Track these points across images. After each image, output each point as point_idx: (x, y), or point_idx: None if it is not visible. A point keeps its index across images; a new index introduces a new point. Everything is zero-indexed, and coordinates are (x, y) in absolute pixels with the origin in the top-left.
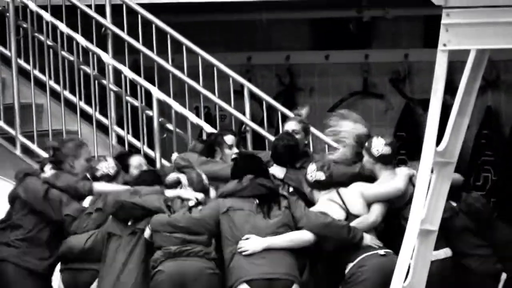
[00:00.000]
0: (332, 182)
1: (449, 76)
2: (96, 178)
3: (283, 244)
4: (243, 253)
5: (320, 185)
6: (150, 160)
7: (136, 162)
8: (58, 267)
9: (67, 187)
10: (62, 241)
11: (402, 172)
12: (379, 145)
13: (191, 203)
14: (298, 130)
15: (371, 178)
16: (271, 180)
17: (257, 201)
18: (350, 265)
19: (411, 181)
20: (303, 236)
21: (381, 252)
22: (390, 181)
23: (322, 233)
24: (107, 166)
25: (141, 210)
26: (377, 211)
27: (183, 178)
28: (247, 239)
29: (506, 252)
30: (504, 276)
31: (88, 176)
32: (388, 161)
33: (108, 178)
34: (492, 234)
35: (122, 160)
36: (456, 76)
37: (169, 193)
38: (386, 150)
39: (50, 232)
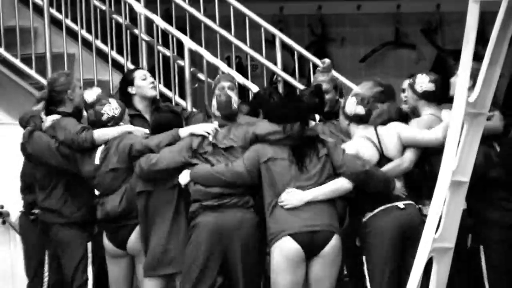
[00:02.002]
0: (370, 116)
1: (481, 27)
2: (102, 122)
3: (324, 196)
4: (285, 207)
5: (359, 119)
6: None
7: (141, 73)
8: None
9: (68, 141)
10: (97, 206)
11: (444, 119)
12: (423, 81)
13: (211, 138)
14: (328, 89)
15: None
16: (311, 128)
17: (293, 150)
18: (369, 214)
19: None
20: (343, 186)
21: (401, 205)
22: (432, 122)
23: (360, 182)
24: (111, 108)
25: (167, 173)
26: (411, 157)
27: (213, 101)
28: (288, 192)
29: None
30: None
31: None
32: (432, 98)
33: (114, 120)
34: None
35: (125, 76)
36: (487, 27)
37: (182, 132)
38: (430, 86)
39: (68, 181)
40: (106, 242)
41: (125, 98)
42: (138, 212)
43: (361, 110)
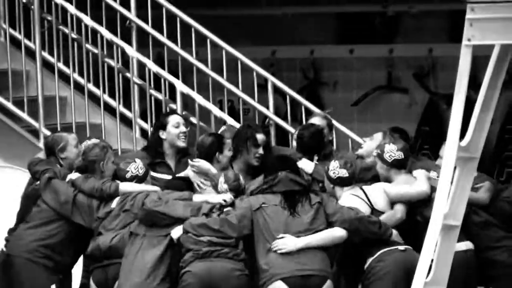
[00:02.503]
0: (355, 179)
1: (473, 71)
2: (125, 180)
3: (318, 243)
4: (278, 251)
5: (343, 182)
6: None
7: (175, 121)
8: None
9: (92, 190)
10: (91, 241)
11: (420, 174)
12: (391, 150)
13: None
14: (322, 126)
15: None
16: (302, 176)
17: (285, 197)
18: (370, 259)
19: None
20: (336, 233)
21: (401, 247)
22: (411, 183)
23: (354, 228)
24: (136, 167)
25: (166, 219)
26: (402, 208)
27: (221, 177)
28: (282, 237)
29: None
30: None
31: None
32: (402, 165)
33: (137, 179)
34: None
35: (160, 119)
36: (480, 72)
37: (197, 198)
38: (399, 154)
39: (67, 235)
40: (92, 285)
41: (156, 141)
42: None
43: (344, 173)
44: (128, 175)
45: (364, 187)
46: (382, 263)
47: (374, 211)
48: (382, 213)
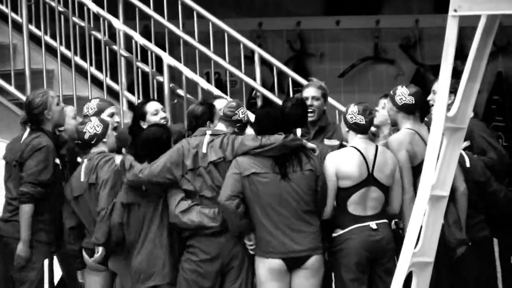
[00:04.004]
0: (370, 128)
1: (460, 42)
2: (85, 141)
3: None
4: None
5: (358, 128)
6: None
7: (152, 108)
8: None
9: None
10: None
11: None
12: (403, 94)
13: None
14: (318, 96)
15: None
16: (296, 137)
17: (276, 160)
18: (339, 232)
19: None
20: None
21: (374, 225)
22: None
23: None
24: (92, 126)
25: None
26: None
27: None
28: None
29: (500, 220)
30: (496, 241)
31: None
32: (411, 110)
33: (96, 137)
34: (490, 199)
35: (138, 110)
36: (466, 42)
37: None
38: (409, 99)
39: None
40: (86, 256)
41: (139, 131)
42: (121, 225)
43: (361, 119)
44: (86, 136)
45: (379, 146)
46: (350, 241)
47: (370, 176)
48: (378, 182)
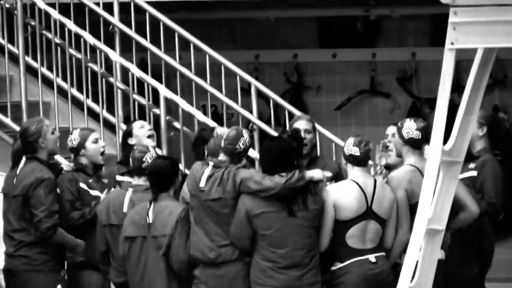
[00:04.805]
0: (366, 160)
1: (456, 75)
2: (141, 169)
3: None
4: None
5: (354, 160)
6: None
7: (138, 125)
8: None
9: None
10: None
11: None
12: (410, 128)
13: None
14: (310, 129)
15: None
16: (303, 176)
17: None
18: (338, 265)
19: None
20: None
21: (373, 258)
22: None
23: None
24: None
25: None
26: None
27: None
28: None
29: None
30: None
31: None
32: (416, 145)
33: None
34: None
35: (126, 129)
36: (463, 75)
37: None
38: (416, 134)
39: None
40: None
41: (127, 149)
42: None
43: (356, 151)
44: (144, 165)
45: (378, 179)
46: (349, 275)
47: (368, 210)
48: (376, 215)
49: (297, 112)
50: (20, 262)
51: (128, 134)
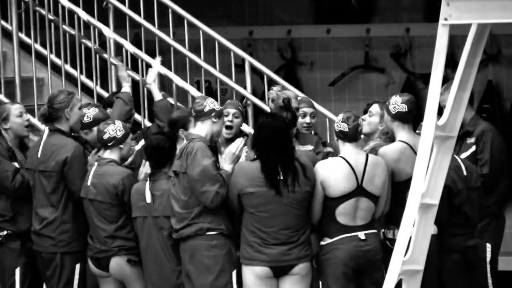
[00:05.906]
0: (356, 136)
1: (450, 50)
2: (102, 141)
3: None
4: None
5: (344, 136)
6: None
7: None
8: None
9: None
10: None
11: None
12: (396, 103)
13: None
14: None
15: None
16: (293, 157)
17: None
18: (327, 240)
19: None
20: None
21: (362, 235)
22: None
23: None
24: (114, 129)
25: None
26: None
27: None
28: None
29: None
30: (489, 247)
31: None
32: (405, 119)
33: (115, 141)
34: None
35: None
36: (457, 51)
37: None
38: (403, 107)
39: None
40: (90, 264)
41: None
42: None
43: (344, 127)
44: (105, 136)
45: (370, 155)
46: (336, 251)
47: (359, 188)
48: (368, 192)
49: (291, 88)
50: (46, 243)
51: (108, 104)
